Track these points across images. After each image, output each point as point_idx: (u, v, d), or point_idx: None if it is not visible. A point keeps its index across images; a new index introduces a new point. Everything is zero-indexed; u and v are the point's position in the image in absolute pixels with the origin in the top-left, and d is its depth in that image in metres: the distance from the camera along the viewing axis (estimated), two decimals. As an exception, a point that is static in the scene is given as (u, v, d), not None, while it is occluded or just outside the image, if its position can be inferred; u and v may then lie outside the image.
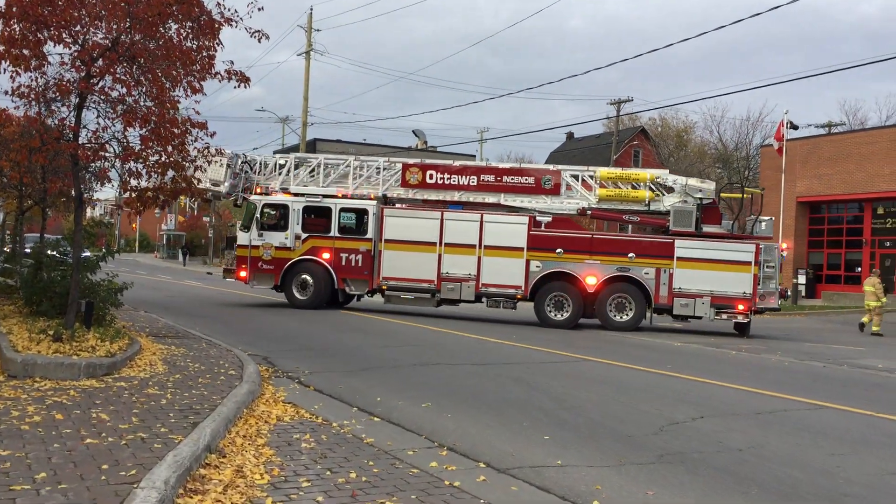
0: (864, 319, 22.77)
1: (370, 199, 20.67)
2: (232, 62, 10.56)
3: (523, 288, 19.42)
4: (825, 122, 56.22)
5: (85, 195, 13.29)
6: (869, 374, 13.19)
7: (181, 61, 10.65)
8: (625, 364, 12.64)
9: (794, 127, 39.92)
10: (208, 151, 11.24)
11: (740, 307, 18.82)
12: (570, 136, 65.99)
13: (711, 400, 9.55)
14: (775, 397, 9.94)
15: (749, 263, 18.82)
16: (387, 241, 20.17)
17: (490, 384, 10.09)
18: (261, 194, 21.07)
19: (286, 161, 21.82)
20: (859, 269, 38.55)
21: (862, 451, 7.27)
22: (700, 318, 19.06)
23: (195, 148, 11.05)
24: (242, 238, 20.95)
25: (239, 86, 10.54)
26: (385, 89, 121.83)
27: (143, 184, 11.22)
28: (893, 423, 8.65)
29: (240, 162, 21.60)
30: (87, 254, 13.51)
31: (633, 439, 7.32)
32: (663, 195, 19.92)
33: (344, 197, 20.81)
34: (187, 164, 11.13)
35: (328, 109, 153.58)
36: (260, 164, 21.91)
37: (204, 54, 10.87)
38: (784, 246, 19.84)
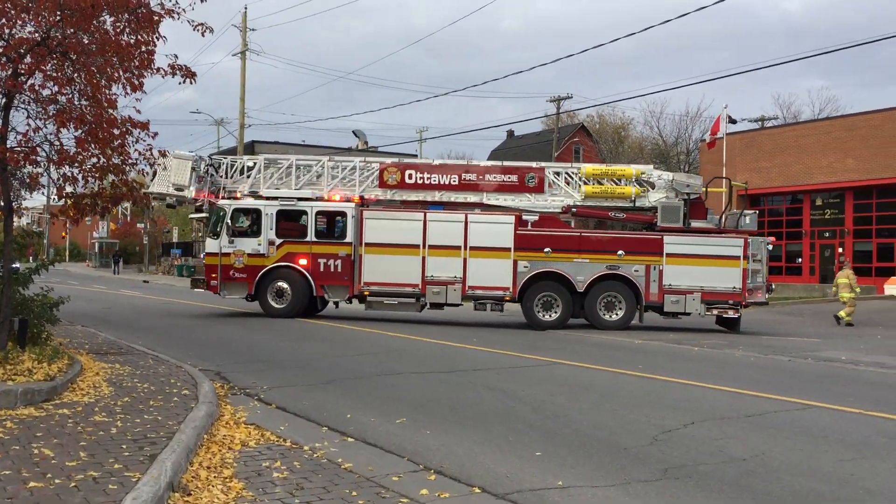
0: (842, 313, 22.70)
1: (348, 201, 19.75)
2: (176, 56, 9.74)
3: (511, 289, 18.92)
4: (759, 116, 57.30)
5: (14, 203, 12.27)
6: (837, 368, 13.01)
7: (118, 56, 9.80)
8: (595, 366, 12.21)
9: (733, 121, 40.36)
10: (151, 154, 10.38)
11: (730, 302, 18.67)
12: (510, 134, 65.86)
13: (696, 403, 9.14)
14: (759, 397, 9.58)
15: (738, 258, 18.69)
16: (367, 244, 19.29)
17: (464, 394, 9.51)
18: (230, 198, 20.00)
19: (255, 163, 20.70)
20: (800, 259, 39.15)
21: (868, 455, 6.90)
22: (689, 314, 18.86)
23: (136, 150, 10.19)
24: (211, 245, 19.90)
25: (184, 81, 9.73)
26: (322, 90, 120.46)
27: (80, 190, 10.31)
28: (887, 422, 8.35)
29: (204, 165, 20.41)
30: (18, 266, 12.50)
31: (629, 452, 6.83)
32: (648, 191, 19.77)
33: (320, 199, 19.80)
34: (128, 168, 10.27)
35: (266, 111, 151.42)
36: (226, 166, 20.76)
37: (143, 49, 10.04)
38: (772, 239, 19.99)
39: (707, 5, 22.23)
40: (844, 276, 23.14)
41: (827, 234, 38.10)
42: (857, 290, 23.09)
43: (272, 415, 8.42)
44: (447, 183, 19.96)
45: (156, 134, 10.15)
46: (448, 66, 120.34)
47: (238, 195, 20.20)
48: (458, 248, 19.01)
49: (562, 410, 8.56)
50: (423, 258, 19.04)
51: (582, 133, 60.76)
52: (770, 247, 19.39)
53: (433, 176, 20.00)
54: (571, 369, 11.94)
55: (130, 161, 10.12)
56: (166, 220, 72.89)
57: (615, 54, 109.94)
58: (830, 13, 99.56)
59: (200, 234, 53.90)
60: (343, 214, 19.59)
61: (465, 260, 19.01)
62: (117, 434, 6.69)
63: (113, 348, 12.74)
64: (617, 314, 18.83)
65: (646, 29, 57.60)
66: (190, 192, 20.02)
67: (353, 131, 56.80)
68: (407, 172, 20.10)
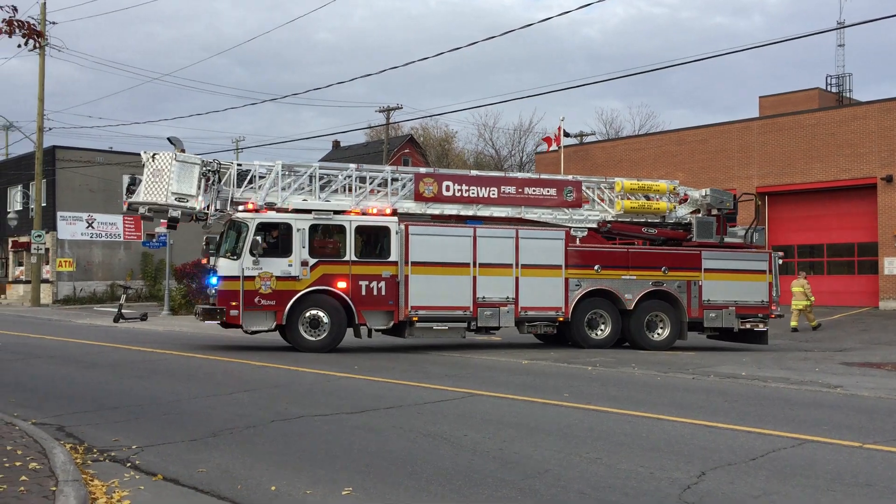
0: (793, 323, 23.09)
1: (388, 214, 17.11)
2: (15, 8, 7.24)
3: (563, 309, 17.59)
4: (577, 132, 58.78)
5: None
6: (754, 387, 12.29)
7: None
8: (515, 396, 10.72)
9: (567, 134, 40.84)
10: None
11: (760, 315, 18.63)
12: (336, 144, 63.88)
13: (674, 442, 7.83)
14: (734, 430, 8.42)
15: (764, 272, 18.80)
16: (414, 263, 16.74)
17: (400, 445, 7.68)
18: (252, 210, 16.37)
19: (269, 170, 16.96)
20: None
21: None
22: (729, 328, 18.50)
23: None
24: (229, 267, 16.15)
25: (26, 43, 7.26)
26: (128, 98, 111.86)
27: None
28: (891, 455, 7.39)
29: (208, 171, 16.59)
30: None
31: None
32: (677, 206, 19.16)
33: (355, 213, 16.91)
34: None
35: (67, 113, 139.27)
36: (233, 173, 16.81)
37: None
38: (781, 254, 20.04)
39: (514, 29, 21.67)
40: (799, 286, 23.75)
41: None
42: (812, 297, 23.86)
43: (165, 493, 6.23)
44: (486, 196, 17.97)
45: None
46: (260, 76, 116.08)
47: (250, 207, 16.48)
48: (510, 265, 17.32)
49: (534, 462, 6.95)
50: (474, 277, 17.07)
51: (410, 144, 59.96)
52: (780, 261, 19.37)
53: (472, 188, 17.95)
54: (489, 402, 10.37)
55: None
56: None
57: (427, 71, 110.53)
58: (623, 39, 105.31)
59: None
60: (386, 230, 16.87)
61: (517, 279, 17.33)
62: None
63: None
64: (659, 332, 18.32)
65: (454, 49, 57.36)
66: (199, 203, 16.22)
67: (168, 138, 52.40)
68: (444, 184, 17.78)
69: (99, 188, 44.08)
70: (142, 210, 16.48)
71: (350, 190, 17.35)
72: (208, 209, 16.38)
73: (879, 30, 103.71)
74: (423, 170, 18.71)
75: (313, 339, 16.42)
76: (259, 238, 16.00)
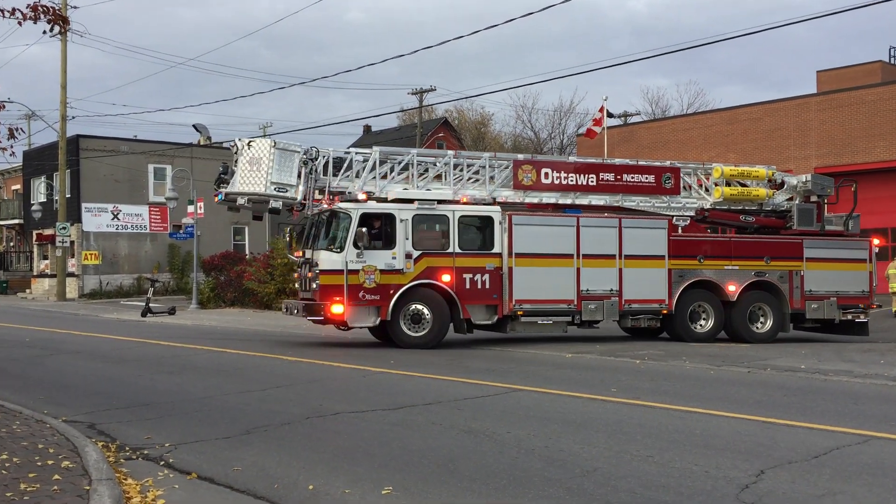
0: (895, 308, 23.94)
1: (490, 203, 17.26)
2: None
3: (667, 301, 17.67)
4: (621, 112, 58.29)
5: None
6: (814, 381, 12.13)
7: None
8: (560, 391, 10.71)
9: (610, 115, 40.51)
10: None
11: (861, 306, 18.80)
12: (367, 129, 64.11)
13: (730, 439, 7.77)
14: (793, 426, 8.34)
15: (864, 261, 18.98)
16: (517, 255, 16.79)
17: (440, 442, 7.73)
18: (356, 201, 16.26)
19: (366, 158, 16.97)
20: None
21: None
22: (830, 320, 18.68)
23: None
24: (332, 261, 15.89)
25: (51, 29, 7.38)
26: (153, 84, 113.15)
27: None
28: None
29: (308, 158, 16.52)
30: None
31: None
32: (774, 192, 19.24)
33: (456, 202, 16.91)
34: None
35: (90, 101, 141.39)
36: (330, 160, 16.72)
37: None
38: (876, 242, 20.11)
39: (553, 4, 21.26)
40: (893, 267, 23.99)
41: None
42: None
43: (200, 492, 6.34)
44: (585, 183, 18.00)
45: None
46: (289, 59, 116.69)
47: (361, 197, 16.32)
48: (613, 256, 17.42)
49: (580, 460, 6.95)
50: (578, 269, 17.16)
51: (444, 128, 59.99)
52: (877, 249, 19.53)
53: (570, 176, 18.00)
54: (532, 397, 10.37)
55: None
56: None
57: (463, 51, 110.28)
58: (672, 13, 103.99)
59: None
60: (489, 220, 16.88)
61: (620, 270, 17.41)
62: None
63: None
64: (761, 324, 18.41)
65: (490, 27, 57.03)
66: (300, 193, 16.23)
67: (193, 125, 53.03)
68: (543, 171, 17.81)
69: (124, 178, 44.71)
70: (240, 201, 16.26)
71: (441, 178, 17.32)
72: (306, 199, 16.39)
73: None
74: (520, 156, 18.74)
75: (415, 334, 16.25)
76: (364, 229, 15.82)
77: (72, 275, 43.77)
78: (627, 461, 6.96)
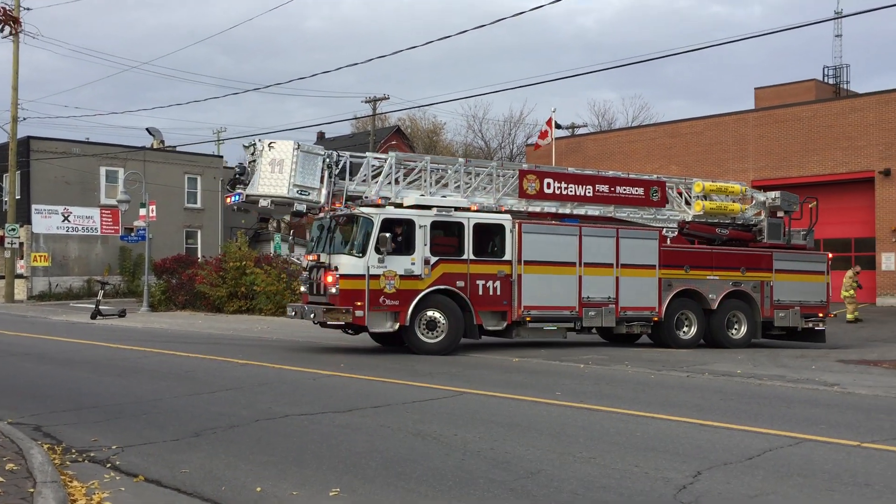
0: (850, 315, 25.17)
1: (502, 211, 17.24)
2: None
3: (657, 309, 18.07)
4: (569, 123, 58.87)
5: None
6: (749, 385, 12.34)
7: None
8: (507, 395, 10.75)
9: (559, 126, 40.94)
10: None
11: (820, 315, 19.77)
12: (321, 135, 63.70)
13: (669, 441, 7.87)
14: (729, 429, 8.46)
15: (823, 273, 20.06)
16: (526, 262, 16.80)
17: (389, 444, 7.69)
18: (377, 206, 15.81)
19: (381, 163, 16.66)
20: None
21: None
22: (794, 328, 19.47)
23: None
24: (353, 265, 15.48)
25: (2, 29, 7.20)
26: (106, 86, 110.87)
27: None
28: (889, 454, 7.45)
29: (331, 162, 16.14)
30: None
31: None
32: (745, 207, 19.96)
33: (476, 210, 16.81)
34: None
35: (41, 102, 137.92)
36: (346, 164, 16.31)
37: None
38: (830, 255, 21.27)
39: (505, 17, 21.67)
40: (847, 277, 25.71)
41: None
42: (849, 292, 25.65)
43: (146, 494, 6.22)
44: (583, 194, 18.27)
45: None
46: (246, 64, 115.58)
47: (379, 202, 15.96)
48: (611, 265, 17.65)
49: (527, 463, 6.97)
50: (580, 277, 17.33)
51: (397, 136, 59.92)
52: (830, 262, 20.59)
53: (570, 186, 18.22)
54: (479, 400, 10.40)
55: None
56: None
57: (417, 61, 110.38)
58: (620, 29, 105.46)
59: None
60: (501, 227, 16.80)
61: (616, 278, 17.64)
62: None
63: None
64: (736, 330, 19.08)
65: (443, 38, 57.19)
66: (322, 196, 15.82)
67: (146, 129, 52.38)
68: (545, 181, 17.93)
69: (75, 180, 43.81)
70: (263, 203, 15.78)
71: (447, 185, 17.29)
72: (327, 202, 16.02)
73: (878, 20, 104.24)
74: (525, 166, 18.93)
75: (431, 341, 16.05)
76: (387, 235, 15.46)
77: (20, 276, 42.70)
78: (570, 463, 7.00)
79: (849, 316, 25.19)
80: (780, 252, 19.78)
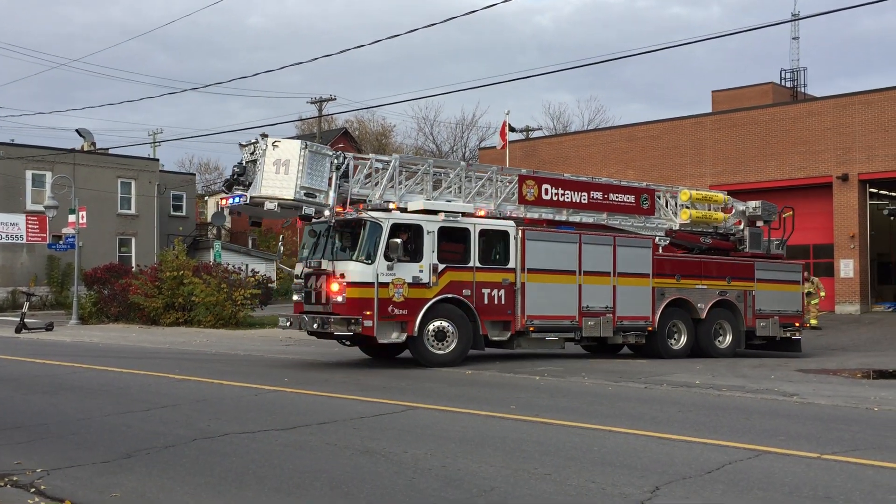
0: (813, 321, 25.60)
1: (505, 218, 17.19)
2: None
3: (651, 318, 18.34)
4: (523, 127, 59.28)
5: None
6: (708, 396, 12.51)
7: None
8: (459, 409, 10.72)
9: (512, 129, 41.15)
10: None
11: (796, 324, 20.52)
12: (264, 137, 63.23)
13: (627, 456, 7.92)
14: (688, 442, 8.56)
15: (798, 282, 20.97)
16: (529, 270, 16.77)
17: (333, 462, 7.61)
18: (385, 210, 15.51)
19: (384, 165, 16.27)
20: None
21: None
22: (773, 337, 20.10)
23: None
24: (361, 272, 15.14)
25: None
26: (35, 86, 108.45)
27: None
28: (849, 466, 7.60)
29: (338, 163, 15.61)
30: None
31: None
32: (727, 216, 20.78)
33: (481, 216, 16.75)
34: None
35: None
36: (349, 167, 15.81)
37: None
38: (804, 264, 22.72)
39: (456, 16, 21.87)
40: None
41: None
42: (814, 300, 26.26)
43: (75, 520, 6.07)
44: (578, 201, 18.40)
45: None
46: (185, 63, 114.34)
47: (392, 207, 15.88)
48: (608, 274, 17.91)
49: (480, 481, 6.95)
50: (580, 286, 17.43)
51: (344, 138, 59.78)
52: (804, 272, 21.49)
53: (567, 193, 18.31)
54: (430, 415, 10.37)
55: None
56: None
57: (365, 61, 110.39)
58: (578, 29, 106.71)
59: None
60: (505, 234, 16.81)
61: (614, 287, 17.82)
62: None
63: None
64: (722, 340, 19.56)
65: (392, 37, 57.12)
66: (331, 199, 15.31)
67: (76, 130, 51.53)
68: (543, 187, 17.93)
69: (-1, 185, 42.87)
70: (269, 206, 15.11)
71: (468, 191, 17.22)
72: (334, 206, 15.57)
73: (835, 23, 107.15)
74: (524, 171, 18.87)
75: (441, 352, 15.89)
76: (398, 240, 15.18)
77: (-61, 287, 41.56)
78: (525, 479, 7.00)
79: (812, 321, 25.77)
80: (761, 262, 20.41)
